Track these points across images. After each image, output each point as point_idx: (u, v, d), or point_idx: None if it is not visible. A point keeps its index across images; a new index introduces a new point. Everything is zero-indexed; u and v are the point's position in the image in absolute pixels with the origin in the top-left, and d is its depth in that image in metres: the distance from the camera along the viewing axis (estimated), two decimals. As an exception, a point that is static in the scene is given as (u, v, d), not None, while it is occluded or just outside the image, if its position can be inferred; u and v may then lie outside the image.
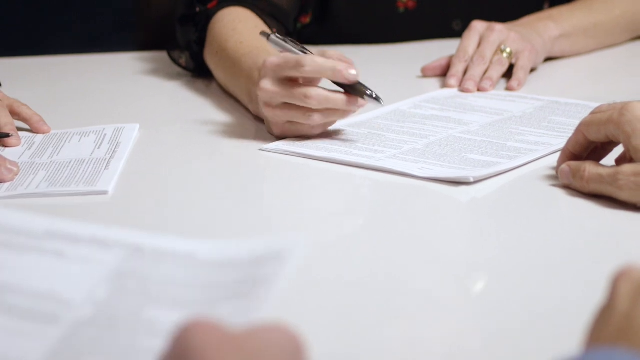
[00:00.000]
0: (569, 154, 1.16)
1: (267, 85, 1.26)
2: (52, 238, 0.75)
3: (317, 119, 1.27)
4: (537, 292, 0.95)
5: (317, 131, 1.30)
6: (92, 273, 0.71)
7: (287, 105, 1.27)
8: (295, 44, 1.29)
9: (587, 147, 1.16)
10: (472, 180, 1.18)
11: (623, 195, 1.09)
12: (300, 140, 1.31)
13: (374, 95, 1.27)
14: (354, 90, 1.26)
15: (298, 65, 1.24)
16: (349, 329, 0.89)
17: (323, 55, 1.26)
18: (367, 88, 1.26)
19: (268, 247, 0.73)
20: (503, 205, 1.17)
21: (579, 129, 1.15)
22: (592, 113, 1.15)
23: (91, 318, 0.69)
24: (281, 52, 1.28)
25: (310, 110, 1.26)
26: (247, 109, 1.43)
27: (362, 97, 1.26)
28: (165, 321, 0.69)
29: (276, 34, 1.31)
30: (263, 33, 1.32)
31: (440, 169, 1.22)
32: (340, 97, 1.25)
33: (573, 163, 1.15)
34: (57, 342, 0.67)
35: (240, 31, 1.48)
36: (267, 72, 1.26)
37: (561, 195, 1.15)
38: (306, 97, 1.24)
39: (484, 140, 1.31)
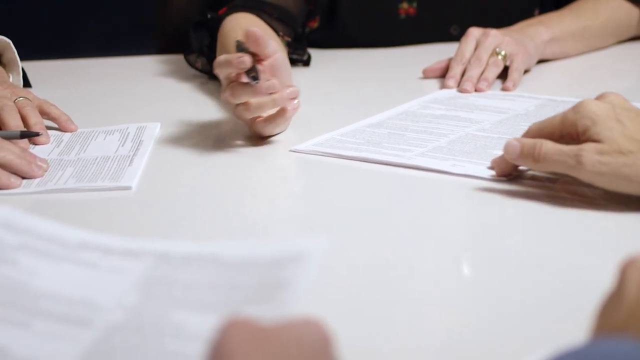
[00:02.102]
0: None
1: (226, 94, 1.22)
2: (86, 249, 0.72)
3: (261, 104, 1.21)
4: (557, 280, 0.91)
5: (288, 117, 1.24)
6: (122, 281, 0.67)
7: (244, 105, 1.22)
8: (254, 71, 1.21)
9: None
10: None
11: (582, 174, 1.01)
12: (329, 141, 1.26)
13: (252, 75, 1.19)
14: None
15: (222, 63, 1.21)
16: (380, 324, 0.84)
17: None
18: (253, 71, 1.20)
19: (289, 248, 0.69)
20: (540, 196, 1.10)
21: (532, 133, 1.07)
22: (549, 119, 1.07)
23: (122, 323, 0.66)
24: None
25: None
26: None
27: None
28: (191, 324, 0.65)
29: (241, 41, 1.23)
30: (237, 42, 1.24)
31: (471, 165, 1.16)
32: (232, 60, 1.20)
33: (526, 139, 1.05)
34: (89, 345, 0.63)
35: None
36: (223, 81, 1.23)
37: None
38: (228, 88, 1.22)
39: (500, 137, 1.25)
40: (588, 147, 1.00)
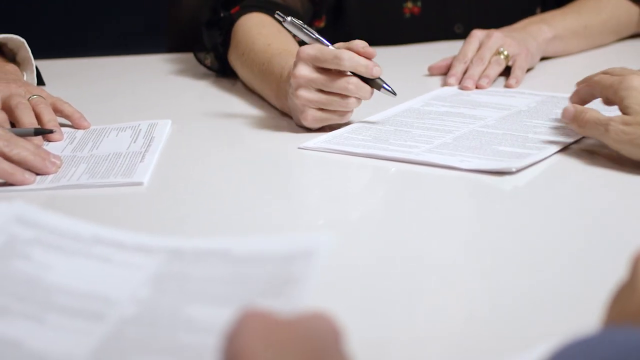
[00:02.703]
0: (576, 100, 1.20)
1: (306, 72, 1.23)
2: (99, 244, 0.71)
3: (352, 103, 1.24)
4: (567, 271, 0.90)
5: (346, 119, 1.27)
6: (135, 275, 0.66)
7: (323, 92, 1.24)
8: (310, 30, 1.27)
9: (590, 99, 1.20)
10: (514, 170, 1.11)
11: (608, 140, 1.11)
12: (337, 138, 1.24)
13: (390, 89, 1.26)
14: (372, 82, 1.25)
15: (336, 58, 1.22)
16: (390, 318, 0.83)
17: (350, 45, 1.24)
18: (384, 82, 1.25)
19: (298, 244, 0.68)
20: (545, 191, 1.11)
21: (590, 84, 1.19)
22: (604, 72, 1.19)
23: (134, 316, 0.64)
24: (300, 39, 1.28)
25: (347, 96, 1.23)
26: (272, 107, 1.38)
27: (379, 89, 1.25)
28: (203, 318, 0.64)
29: (292, 19, 1.28)
30: (278, 15, 1.29)
31: (479, 160, 1.15)
32: (368, 88, 1.24)
33: (578, 106, 1.17)
34: (102, 338, 0.62)
35: (265, 35, 1.44)
36: (305, 61, 1.24)
37: (595, 177, 1.12)
38: (348, 83, 1.23)
39: (505, 133, 1.24)
40: (616, 118, 1.11)
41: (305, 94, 1.24)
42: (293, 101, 1.26)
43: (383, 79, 1.25)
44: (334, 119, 1.26)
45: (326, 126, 1.28)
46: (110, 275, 0.67)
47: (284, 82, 1.30)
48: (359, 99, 1.24)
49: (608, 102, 1.17)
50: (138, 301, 0.65)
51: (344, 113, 1.26)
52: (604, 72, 1.19)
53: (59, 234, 0.70)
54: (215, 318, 0.63)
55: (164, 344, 0.62)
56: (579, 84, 1.22)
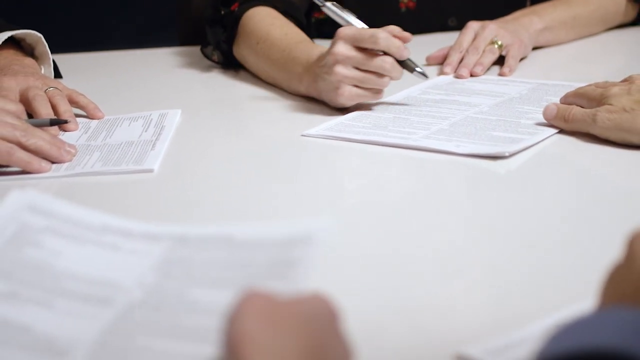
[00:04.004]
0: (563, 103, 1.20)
1: (345, 50, 1.23)
2: (108, 232, 0.69)
3: (386, 82, 1.25)
4: (561, 251, 0.88)
5: (378, 98, 1.26)
6: (142, 261, 0.64)
7: (359, 70, 1.23)
8: (347, 13, 1.28)
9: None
10: (507, 154, 1.10)
11: (596, 130, 1.12)
12: (338, 126, 1.22)
13: (422, 71, 1.26)
14: (404, 64, 1.25)
15: (373, 37, 1.23)
16: (387, 300, 0.81)
17: (387, 29, 1.24)
18: (415, 64, 1.26)
19: (298, 229, 0.66)
20: (538, 174, 1.09)
21: (576, 93, 1.19)
22: (589, 85, 1.19)
23: (141, 300, 0.63)
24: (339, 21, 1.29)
25: (382, 75, 1.24)
26: (276, 96, 1.36)
27: (412, 72, 1.26)
28: (206, 301, 0.62)
29: (330, 3, 1.30)
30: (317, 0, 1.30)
31: (474, 145, 1.13)
32: (400, 68, 1.25)
33: (561, 105, 1.17)
34: (109, 322, 0.60)
35: (279, 25, 1.43)
36: (344, 40, 1.24)
37: (585, 160, 1.11)
38: (384, 62, 1.23)
39: (498, 119, 1.22)
40: (602, 108, 1.12)
41: (343, 70, 1.23)
42: (327, 79, 1.25)
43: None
44: (368, 97, 1.25)
45: (327, 113, 1.26)
46: (119, 262, 0.65)
47: (313, 66, 1.29)
48: (389, 79, 1.24)
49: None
50: (144, 286, 0.63)
51: (377, 91, 1.25)
52: (590, 85, 1.19)
53: (70, 223, 0.69)
54: (218, 301, 0.61)
55: (168, 326, 0.60)
56: (567, 94, 1.21)
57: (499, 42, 1.45)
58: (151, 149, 1.17)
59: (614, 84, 1.16)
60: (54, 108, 1.26)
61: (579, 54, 1.56)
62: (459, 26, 1.51)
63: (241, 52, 1.47)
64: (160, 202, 1.06)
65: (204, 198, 1.06)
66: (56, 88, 1.30)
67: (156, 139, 1.20)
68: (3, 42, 1.37)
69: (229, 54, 1.48)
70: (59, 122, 1.23)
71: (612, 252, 0.67)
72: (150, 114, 1.29)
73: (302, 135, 1.21)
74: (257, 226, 0.67)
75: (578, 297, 0.74)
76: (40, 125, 1.19)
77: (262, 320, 0.54)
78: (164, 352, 0.59)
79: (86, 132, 1.25)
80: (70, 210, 0.70)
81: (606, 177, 1.08)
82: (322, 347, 0.56)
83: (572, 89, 1.20)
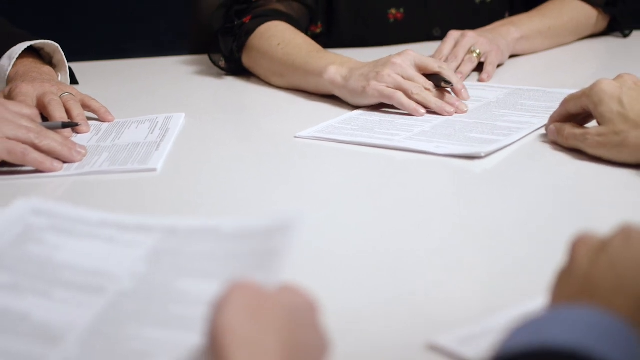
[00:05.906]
0: (555, 120, 1.14)
1: (406, 63, 1.27)
2: (105, 226, 0.68)
3: (413, 102, 1.26)
4: (530, 246, 0.87)
5: (400, 105, 1.26)
6: (134, 253, 0.63)
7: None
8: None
9: (568, 117, 1.13)
10: (483, 155, 1.09)
11: (589, 150, 1.07)
12: (328, 128, 1.21)
13: (448, 81, 1.27)
14: (436, 78, 1.28)
15: (436, 62, 1.29)
16: (367, 291, 0.79)
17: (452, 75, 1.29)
18: (443, 79, 1.27)
19: (276, 220, 0.65)
20: (511, 173, 1.08)
21: (562, 103, 1.13)
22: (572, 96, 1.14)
23: (131, 290, 0.62)
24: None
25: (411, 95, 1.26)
26: (272, 101, 1.35)
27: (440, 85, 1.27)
28: (194, 291, 0.61)
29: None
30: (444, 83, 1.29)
31: (452, 146, 1.12)
32: (431, 101, 1.27)
33: (557, 124, 1.13)
34: (100, 310, 0.59)
35: (302, 36, 1.44)
36: (410, 57, 1.29)
37: (555, 161, 1.09)
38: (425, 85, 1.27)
39: (476, 122, 1.21)
40: (592, 130, 1.07)
41: (390, 72, 1.25)
42: (366, 75, 1.27)
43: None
44: (394, 100, 1.25)
45: (319, 116, 1.24)
46: (113, 253, 0.64)
47: (348, 62, 1.31)
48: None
49: (585, 112, 1.11)
50: (135, 276, 0.62)
51: (403, 102, 1.24)
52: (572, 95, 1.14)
53: (70, 220, 0.68)
54: (204, 291, 0.60)
55: (157, 315, 0.59)
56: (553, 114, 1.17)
57: (477, 51, 1.44)
58: (155, 150, 1.16)
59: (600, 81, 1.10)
60: (67, 112, 1.25)
61: (552, 61, 1.55)
62: (444, 36, 1.50)
63: (252, 57, 1.45)
64: (164, 199, 1.05)
65: (205, 195, 1.05)
66: (70, 93, 1.29)
67: (161, 140, 1.19)
68: (24, 51, 1.36)
69: (238, 61, 1.47)
70: (70, 125, 1.22)
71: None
72: (157, 117, 1.28)
73: (295, 137, 1.20)
74: (241, 219, 0.66)
75: (545, 290, 0.73)
76: (52, 128, 1.18)
77: (244, 313, 0.53)
78: (152, 339, 0.57)
79: (97, 134, 1.24)
80: (71, 210, 0.69)
81: (572, 176, 1.06)
82: (300, 339, 0.55)
83: (547, 93, 1.18)
